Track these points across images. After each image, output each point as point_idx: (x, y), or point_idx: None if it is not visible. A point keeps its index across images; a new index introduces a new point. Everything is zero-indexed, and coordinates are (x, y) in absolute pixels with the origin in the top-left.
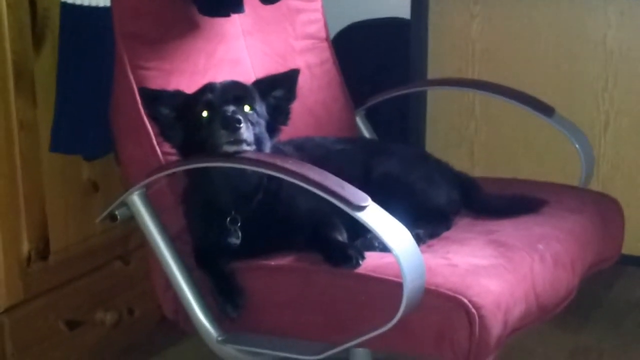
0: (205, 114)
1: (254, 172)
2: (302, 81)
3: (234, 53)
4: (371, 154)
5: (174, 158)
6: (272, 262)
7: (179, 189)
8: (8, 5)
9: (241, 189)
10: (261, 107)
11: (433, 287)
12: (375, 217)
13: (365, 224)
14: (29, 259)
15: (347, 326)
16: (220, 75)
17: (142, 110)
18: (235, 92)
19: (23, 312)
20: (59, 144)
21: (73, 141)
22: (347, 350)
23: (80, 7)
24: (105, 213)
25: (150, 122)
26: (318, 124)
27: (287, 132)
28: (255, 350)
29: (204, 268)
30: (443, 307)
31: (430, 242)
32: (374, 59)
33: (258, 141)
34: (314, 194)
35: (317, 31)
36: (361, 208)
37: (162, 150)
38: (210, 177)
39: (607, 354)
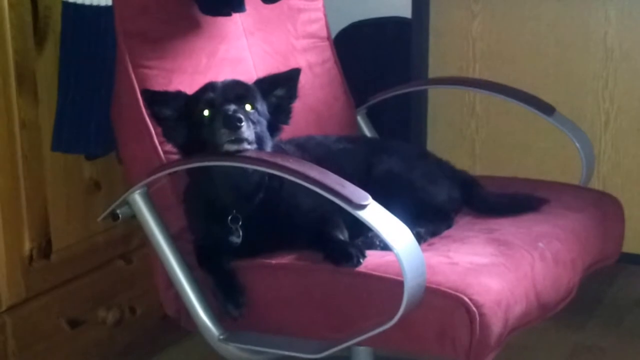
0: (206, 113)
1: (255, 171)
2: (304, 80)
3: (235, 52)
4: (372, 152)
5: (175, 157)
6: (274, 261)
7: (181, 187)
8: (10, 5)
9: (242, 187)
10: (262, 106)
11: (434, 286)
12: (376, 215)
13: (366, 223)
14: (30, 257)
15: (348, 324)
16: (222, 74)
17: (144, 109)
18: (237, 91)
19: (25, 311)
20: (60, 143)
21: (75, 140)
22: (349, 348)
23: (82, 6)
24: (107, 212)
25: (151, 121)
26: (319, 123)
27: (289, 131)
28: (257, 349)
29: (206, 267)
30: (444, 305)
31: (431, 240)
32: (375, 58)
33: (259, 140)
34: (315, 192)
35: (319, 30)
36: (362, 207)
37: (164, 149)
38: (211, 176)
39: (608, 352)
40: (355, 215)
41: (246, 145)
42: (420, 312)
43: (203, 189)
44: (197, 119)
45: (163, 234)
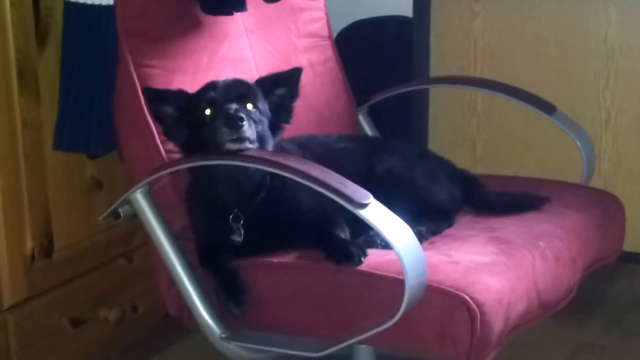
0: (208, 112)
1: (256, 169)
2: (305, 79)
3: (237, 51)
4: (373, 151)
5: (177, 156)
6: (275, 260)
7: (182, 186)
8: (12, 4)
9: (244, 186)
10: (264, 105)
11: (435, 284)
12: (377, 214)
13: (367, 222)
14: (32, 256)
15: (349, 323)
16: (223, 73)
17: (145, 108)
18: (238, 90)
19: (27, 310)
20: (62, 142)
21: (76, 139)
22: (350, 346)
23: (84, 5)
24: (109, 211)
25: (153, 120)
26: (321, 122)
27: (290, 130)
28: (258, 348)
29: (207, 265)
30: (445, 303)
31: (432, 239)
32: (376, 57)
33: (261, 139)
34: (317, 191)
35: (320, 29)
36: (363, 205)
37: (165, 148)
38: (213, 175)
39: (609, 350)
40: (357, 214)
41: (248, 144)
42: (421, 310)
43: (204, 187)
44: (198, 118)
45: (165, 233)
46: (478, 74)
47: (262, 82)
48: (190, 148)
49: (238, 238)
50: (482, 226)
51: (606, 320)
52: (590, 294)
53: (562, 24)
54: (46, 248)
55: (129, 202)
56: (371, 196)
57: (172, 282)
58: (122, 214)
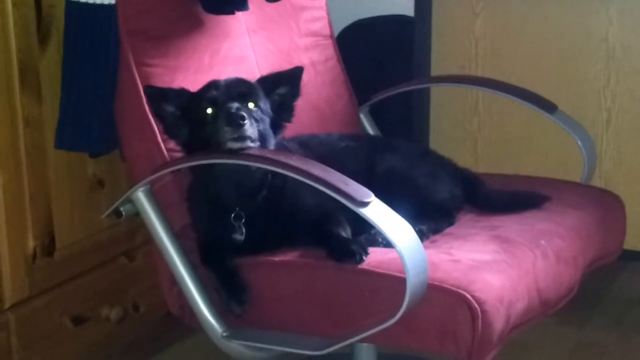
0: (209, 110)
1: (258, 168)
2: (307, 78)
3: (238, 50)
4: (375, 150)
5: (178, 155)
6: (277, 258)
7: (184, 185)
8: (13, 3)
9: (245, 185)
10: (265, 104)
11: (436, 283)
12: (378, 213)
13: (369, 220)
14: (34, 255)
15: (350, 321)
16: (225, 72)
17: (147, 107)
18: (240, 89)
19: (28, 309)
20: (64, 141)
21: (78, 138)
22: (351, 345)
23: (86, 4)
24: (111, 209)
25: (155, 119)
26: (322, 121)
27: (292, 129)
28: (260, 346)
29: (209, 264)
30: (446, 302)
31: (434, 237)
32: (378, 57)
33: (262, 138)
34: (318, 190)
35: (321, 28)
36: (364, 204)
37: (167, 146)
38: (214, 174)
39: (610, 349)
40: (358, 212)
41: (249, 143)
42: (423, 309)
43: (206, 186)
44: (200, 117)
45: (166, 232)
46: (479, 73)
47: (263, 81)
48: (192, 147)
49: (239, 237)
50: (483, 225)
51: (607, 318)
52: (591, 292)
53: (563, 23)
54: (48, 247)
55: (130, 200)
56: (372, 195)
57: (174, 280)
58: (123, 213)
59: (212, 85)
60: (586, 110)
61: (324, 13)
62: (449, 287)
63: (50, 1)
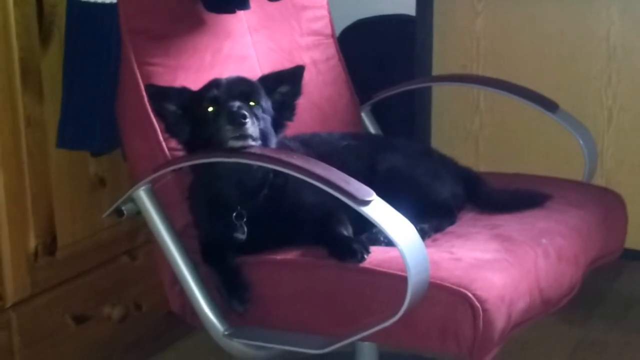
0: (211, 109)
1: (259, 167)
2: (308, 77)
3: (240, 49)
4: (376, 149)
5: (180, 153)
6: (278, 257)
7: (185, 184)
8: (15, 2)
9: (247, 184)
10: (267, 103)
11: (437, 281)
12: (380, 211)
13: (370, 219)
14: (36, 254)
15: (352, 320)
16: (227, 71)
17: (149, 106)
18: (241, 88)
19: (30, 307)
20: (65, 140)
21: (80, 137)
22: (353, 343)
23: (87, 3)
24: (112, 208)
25: (156, 118)
26: (324, 120)
27: (293, 128)
28: (262, 344)
29: (210, 263)
30: (447, 300)
31: (435, 236)
32: (379, 56)
33: (264, 136)
34: (320, 189)
35: (323, 28)
36: (366, 203)
37: (169, 145)
38: (216, 173)
39: (611, 347)
40: (359, 211)
41: (250, 142)
42: (424, 307)
43: (207, 185)
44: (201, 116)
45: (168, 230)
46: (480, 72)
47: (265, 79)
48: (193, 145)
49: (241, 235)
50: (485, 223)
51: (608, 317)
52: (593, 291)
53: (564, 22)
54: (49, 246)
55: (132, 199)
56: (374, 193)
57: (175, 279)
58: (125, 212)
59: (214, 84)
60: (587, 109)
61: (325, 12)
62: (450, 285)
63: (52, 0)
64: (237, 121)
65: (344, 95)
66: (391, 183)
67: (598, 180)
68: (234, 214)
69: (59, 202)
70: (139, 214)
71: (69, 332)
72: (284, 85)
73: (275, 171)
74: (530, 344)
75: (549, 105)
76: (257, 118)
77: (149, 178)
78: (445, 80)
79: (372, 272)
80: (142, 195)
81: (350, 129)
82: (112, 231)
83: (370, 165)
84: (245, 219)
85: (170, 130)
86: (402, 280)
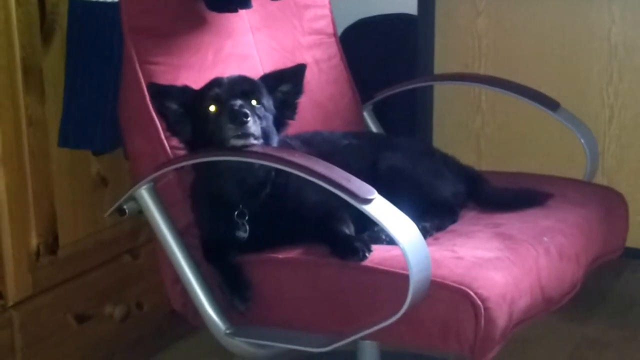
0: (212, 108)
1: (261, 165)
2: (310, 76)
3: (242, 48)
4: (378, 148)
5: (182, 152)
6: (280, 256)
7: (187, 183)
8: (17, 1)
9: (249, 182)
10: (268, 102)
11: (439, 279)
12: (381, 209)
13: (372, 217)
14: (37, 253)
15: (354, 318)
16: (229, 70)
17: (150, 105)
18: (243, 87)
19: (32, 306)
20: (67, 139)
21: (81, 136)
22: (354, 342)
23: (89, 3)
24: (114, 207)
25: (158, 117)
26: (325, 119)
27: (295, 127)
28: (263, 343)
29: (212, 261)
30: (449, 299)
31: (437, 235)
32: (381, 55)
33: (265, 135)
34: (322, 187)
35: (325, 27)
36: (367, 201)
37: (170, 144)
38: (218, 171)
39: (612, 346)
40: (361, 209)
41: (252, 140)
42: (426, 305)
43: (209, 184)
44: (203, 114)
45: (170, 229)
46: (482, 71)
47: (266, 78)
48: (195, 144)
49: (243, 234)
50: (486, 222)
51: (609, 316)
52: (594, 290)
53: (565, 21)
54: (51, 245)
55: (133, 198)
56: (375, 192)
57: (177, 278)
58: (127, 211)
59: (215, 82)
60: (589, 108)
61: (327, 11)
62: (451, 284)
63: None
64: (239, 120)
65: (346, 94)
66: (393, 182)
67: (599, 179)
68: (236, 213)
69: (60, 201)
70: (140, 213)
71: (70, 331)
72: (285, 84)
73: (277, 170)
74: (532, 343)
75: (551, 104)
76: (259, 117)
77: (151, 177)
78: (447, 79)
79: (373, 271)
80: (144, 194)
81: (352, 128)
82: (114, 230)
83: (372, 164)
84: (247, 218)
85: (172, 128)
86: (404, 278)
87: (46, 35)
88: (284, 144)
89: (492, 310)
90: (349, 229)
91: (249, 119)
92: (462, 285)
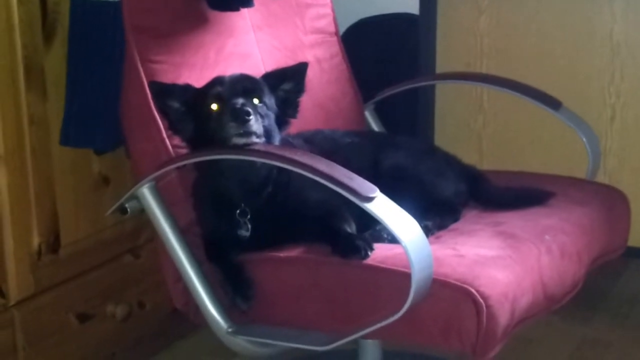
0: (214, 106)
1: (263, 164)
2: (312, 75)
3: (243, 47)
4: (380, 147)
5: (183, 151)
6: (282, 254)
7: (189, 181)
8: (19, 0)
9: (250, 181)
10: (270, 100)
11: (441, 278)
12: (383, 208)
13: (374, 215)
14: (39, 252)
15: (355, 317)
16: (230, 69)
17: (152, 104)
18: (244, 85)
19: (34, 306)
20: (69, 138)
21: (83, 135)
22: (356, 340)
23: (91, 1)
24: (116, 206)
25: (160, 116)
26: (327, 118)
27: (297, 126)
28: (265, 341)
29: (214, 260)
30: (451, 297)
31: (439, 233)
32: (383, 54)
33: (267, 133)
34: (323, 186)
35: (327, 26)
36: (369, 199)
37: (172, 143)
38: (219, 170)
39: (614, 345)
40: (363, 207)
41: (254, 139)
42: (427, 304)
43: (211, 182)
44: (205, 113)
45: (171, 228)
46: (484, 70)
47: (268, 77)
48: (197, 143)
49: (245, 233)
50: (488, 221)
51: (611, 315)
52: (596, 289)
53: (567, 20)
54: (53, 244)
55: (135, 197)
56: (377, 190)
57: (179, 276)
58: (128, 210)
59: (217, 81)
60: (591, 107)
61: (329, 10)
62: (453, 282)
63: None
64: (241, 118)
65: (348, 94)
66: (395, 180)
67: (601, 178)
68: (238, 211)
69: (62, 200)
70: (142, 212)
71: (72, 330)
72: (287, 83)
73: (279, 168)
74: (533, 342)
75: (552, 103)
76: (261, 115)
77: (153, 175)
78: (449, 78)
79: (375, 269)
80: (146, 192)
81: (353, 127)
82: (116, 229)
83: (374, 163)
84: (248, 216)
85: (174, 127)
86: (406, 276)
87: (48, 34)
88: (286, 143)
89: (494, 309)
90: (351, 228)
91: (250, 117)
92: (464, 283)
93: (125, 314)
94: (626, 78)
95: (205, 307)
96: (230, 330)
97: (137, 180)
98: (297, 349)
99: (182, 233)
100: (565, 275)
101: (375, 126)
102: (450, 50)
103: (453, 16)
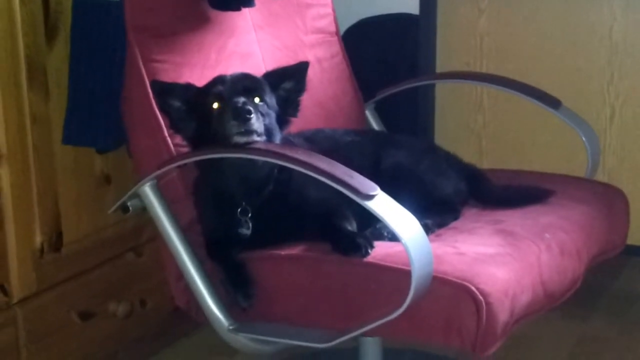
0: (215, 105)
1: (264, 162)
2: (312, 74)
3: (244, 47)
4: (380, 145)
5: (185, 149)
6: (283, 252)
7: (190, 180)
8: (21, 0)
9: (252, 179)
10: (271, 99)
11: (441, 275)
12: (384, 206)
13: (374, 213)
14: (41, 250)
15: (356, 314)
16: (231, 68)
17: (154, 103)
18: (245, 84)
19: (36, 304)
20: (71, 137)
21: (85, 134)
22: (357, 338)
23: (92, 1)
24: (118, 204)
25: (161, 115)
26: (328, 117)
27: (297, 125)
28: (267, 339)
29: (215, 258)
30: (451, 294)
31: (439, 231)
32: (383, 54)
33: (268, 132)
34: (324, 184)
35: (327, 25)
36: (370, 197)
37: (174, 141)
38: (221, 168)
39: (613, 343)
40: (364, 205)
41: (255, 137)
42: (427, 301)
43: (212, 181)
44: (206, 112)
45: (173, 226)
46: (484, 69)
47: (269, 76)
48: (198, 141)
49: (246, 231)
50: (488, 219)
51: (610, 313)
52: (595, 287)
53: (567, 20)
54: (55, 242)
55: (137, 195)
56: (378, 188)
57: (181, 275)
58: (130, 208)
59: (218, 80)
60: (590, 106)
61: (329, 10)
62: (453, 279)
63: None
64: (242, 117)
65: (348, 93)
66: (395, 179)
67: (600, 177)
68: (239, 210)
69: (64, 199)
70: (144, 210)
71: (74, 328)
72: (288, 82)
73: (280, 167)
74: (533, 339)
75: (552, 102)
76: (262, 114)
77: (154, 174)
78: (449, 77)
79: (376, 267)
80: (148, 191)
81: (354, 126)
82: (118, 228)
83: (374, 162)
84: (250, 215)
85: (175, 126)
86: (406, 274)
87: (50, 33)
88: (287, 141)
89: (493, 306)
90: (352, 226)
91: (252, 116)
92: (464, 280)
93: (127, 312)
94: (625, 77)
95: (207, 305)
96: (231, 328)
97: (138, 178)
98: (298, 346)
99: (184, 231)
100: (564, 273)
101: (375, 125)
102: (450, 50)
103: (453, 16)
